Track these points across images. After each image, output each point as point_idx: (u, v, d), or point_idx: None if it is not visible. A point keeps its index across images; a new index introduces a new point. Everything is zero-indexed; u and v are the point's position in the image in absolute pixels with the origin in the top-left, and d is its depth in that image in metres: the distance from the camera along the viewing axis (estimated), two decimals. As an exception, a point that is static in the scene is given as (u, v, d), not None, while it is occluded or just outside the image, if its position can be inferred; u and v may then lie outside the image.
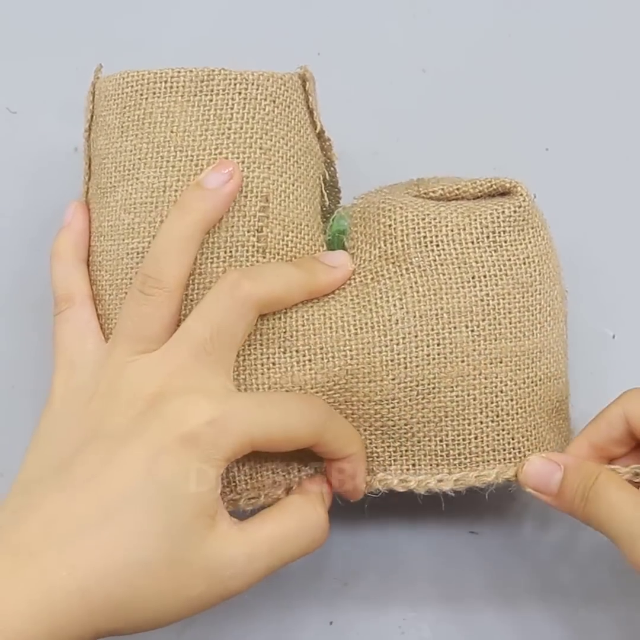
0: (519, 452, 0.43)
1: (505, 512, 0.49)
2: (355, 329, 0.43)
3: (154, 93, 0.43)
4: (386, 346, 0.42)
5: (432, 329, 0.42)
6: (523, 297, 0.44)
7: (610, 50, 0.59)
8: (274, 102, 0.44)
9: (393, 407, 0.43)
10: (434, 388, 0.42)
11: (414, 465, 0.43)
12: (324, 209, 0.47)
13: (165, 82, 0.44)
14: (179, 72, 0.44)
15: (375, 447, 0.44)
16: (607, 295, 0.54)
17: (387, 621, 0.48)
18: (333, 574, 0.48)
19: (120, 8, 0.60)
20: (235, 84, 0.44)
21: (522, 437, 0.43)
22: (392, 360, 0.42)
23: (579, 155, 0.57)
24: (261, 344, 0.42)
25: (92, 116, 0.46)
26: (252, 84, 0.44)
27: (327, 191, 0.47)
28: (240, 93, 0.44)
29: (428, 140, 0.56)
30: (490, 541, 0.49)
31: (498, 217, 0.44)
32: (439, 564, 0.48)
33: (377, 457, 0.44)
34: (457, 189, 0.46)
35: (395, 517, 0.49)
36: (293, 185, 0.44)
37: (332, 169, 0.47)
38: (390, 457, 0.44)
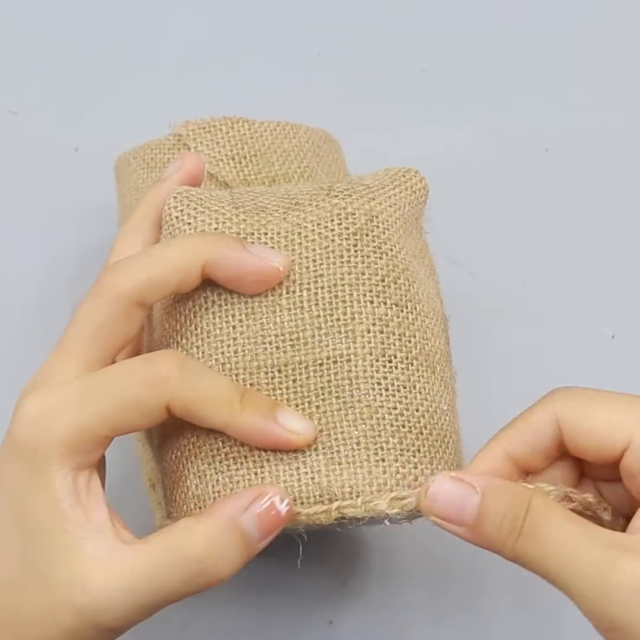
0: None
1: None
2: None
3: None
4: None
5: None
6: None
7: (610, 50, 0.59)
8: None
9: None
10: None
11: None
12: None
13: None
14: None
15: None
16: (607, 295, 0.54)
17: (387, 621, 0.48)
18: (333, 573, 0.48)
19: (121, 8, 0.60)
20: None
21: None
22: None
23: (579, 155, 0.57)
24: None
25: None
26: None
27: None
28: None
29: (428, 141, 0.56)
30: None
31: None
32: (439, 563, 0.48)
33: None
34: None
35: (395, 516, 0.49)
36: None
37: None
38: None
